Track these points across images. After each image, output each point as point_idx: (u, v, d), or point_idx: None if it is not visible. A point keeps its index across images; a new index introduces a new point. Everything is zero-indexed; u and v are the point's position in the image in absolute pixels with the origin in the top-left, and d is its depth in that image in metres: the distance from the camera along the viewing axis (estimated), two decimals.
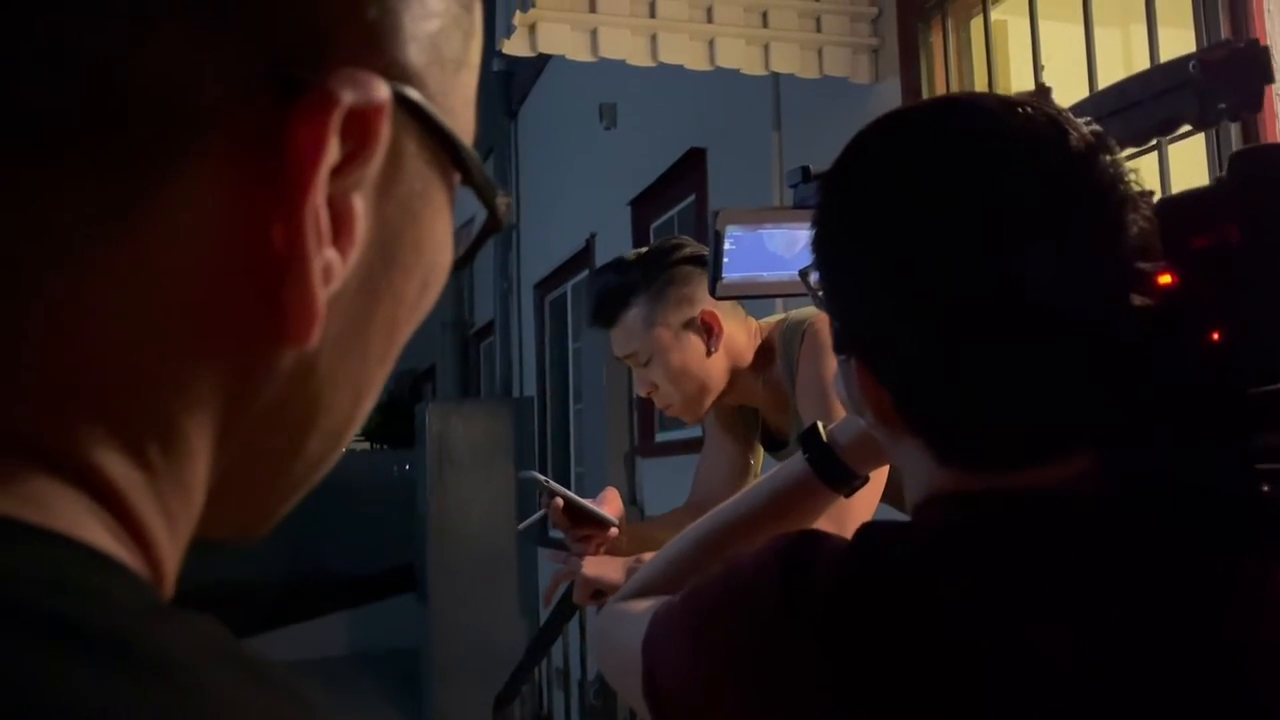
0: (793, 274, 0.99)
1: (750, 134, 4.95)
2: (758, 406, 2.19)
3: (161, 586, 0.37)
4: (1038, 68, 3.07)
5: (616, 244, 6.42)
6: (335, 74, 0.35)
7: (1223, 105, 0.83)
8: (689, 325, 2.05)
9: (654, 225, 6.37)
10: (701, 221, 5.61)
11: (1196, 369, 0.79)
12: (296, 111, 0.35)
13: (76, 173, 0.33)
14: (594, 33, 3.53)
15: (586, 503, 2.06)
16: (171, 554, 0.37)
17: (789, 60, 3.77)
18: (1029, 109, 0.81)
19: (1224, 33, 2.48)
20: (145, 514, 0.36)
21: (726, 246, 1.17)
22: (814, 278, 0.90)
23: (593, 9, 3.50)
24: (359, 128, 0.36)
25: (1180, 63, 0.85)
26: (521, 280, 9.37)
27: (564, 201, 8.05)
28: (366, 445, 23.07)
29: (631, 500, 6.37)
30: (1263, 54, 0.83)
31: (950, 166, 0.81)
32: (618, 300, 2.08)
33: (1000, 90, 3.11)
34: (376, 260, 0.39)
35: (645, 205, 6.47)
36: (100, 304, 0.33)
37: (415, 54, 0.39)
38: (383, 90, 0.36)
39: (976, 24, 3.47)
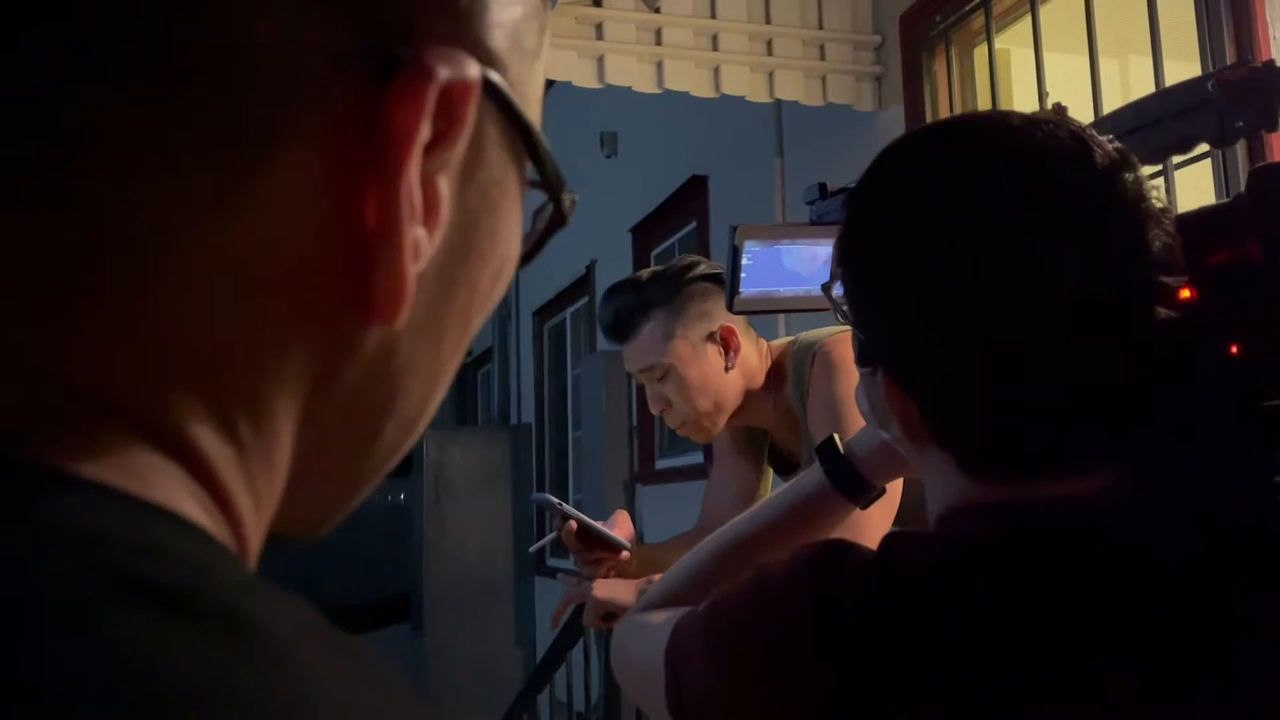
0: (809, 289, 1.00)
1: (752, 161, 4.97)
2: (767, 428, 2.20)
3: (247, 562, 0.37)
4: (1042, 95, 3.09)
5: (617, 271, 6.42)
6: (431, 50, 0.36)
7: (1240, 124, 0.85)
8: (709, 339, 2.06)
9: (655, 252, 6.39)
10: (703, 249, 5.62)
11: (1216, 382, 0.81)
12: (395, 86, 0.35)
13: (182, 147, 0.33)
14: (600, 60, 3.56)
15: (598, 525, 2.07)
16: (256, 533, 0.37)
17: (793, 87, 3.80)
18: (1054, 126, 0.83)
19: (1229, 59, 2.50)
20: (234, 490, 0.36)
21: (744, 262, 1.18)
22: (837, 291, 0.91)
23: (599, 36, 3.53)
24: (449, 107, 0.36)
25: (1198, 82, 0.87)
26: (520, 307, 9.37)
27: (564, 228, 8.05)
28: None
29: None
30: (1279, 74, 0.84)
31: (978, 181, 0.83)
32: (636, 314, 2.09)
33: None
34: (457, 246, 0.40)
35: (646, 232, 6.49)
36: (198, 276, 0.34)
37: (499, 39, 0.39)
38: (474, 69, 0.37)
39: (980, 52, 3.50)
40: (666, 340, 2.06)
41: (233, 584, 0.30)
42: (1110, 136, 0.83)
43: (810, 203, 1.10)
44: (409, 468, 9.07)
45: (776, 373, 2.11)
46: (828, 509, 1.17)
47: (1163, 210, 0.81)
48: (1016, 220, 0.81)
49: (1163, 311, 0.79)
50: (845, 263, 0.90)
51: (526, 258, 0.46)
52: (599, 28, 3.54)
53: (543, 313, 8.71)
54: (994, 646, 0.78)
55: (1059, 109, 0.88)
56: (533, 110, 0.42)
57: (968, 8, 3.45)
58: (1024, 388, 0.82)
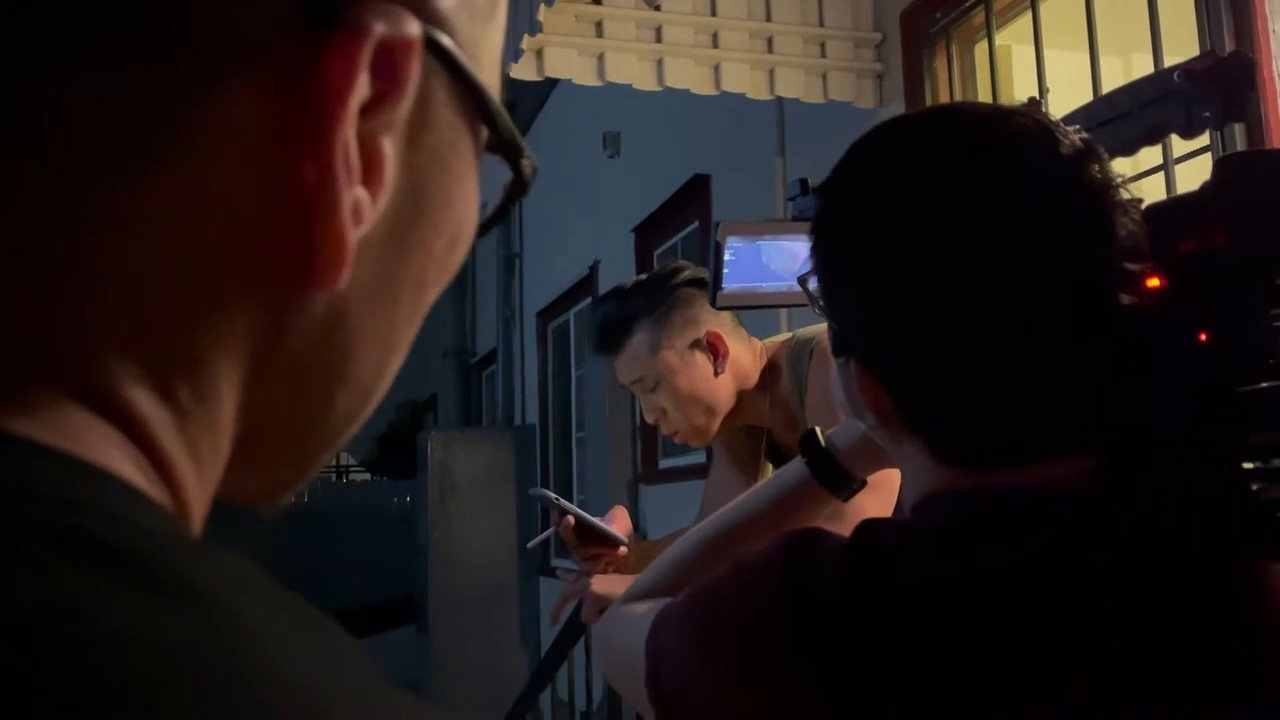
0: (791, 284, 1.01)
1: (754, 160, 4.97)
2: (766, 426, 2.19)
3: (189, 526, 0.36)
4: (1042, 92, 3.09)
5: (620, 271, 6.44)
6: (367, 7, 0.35)
7: (1207, 114, 0.85)
8: (695, 346, 2.05)
9: (657, 252, 6.39)
10: (706, 248, 5.62)
11: (1185, 369, 0.81)
12: (330, 43, 0.34)
13: (115, 106, 0.33)
14: (601, 57, 3.56)
15: (596, 521, 2.07)
16: (199, 498, 0.37)
17: (793, 85, 3.80)
18: (1021, 117, 0.83)
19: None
20: (173, 454, 0.35)
21: (726, 258, 1.19)
22: (813, 283, 0.92)
23: (599, 34, 3.54)
24: (389, 66, 0.35)
25: (1166, 74, 0.88)
26: (524, 308, 9.40)
27: (567, 229, 8.07)
28: (367, 476, 22.95)
29: (634, 527, 6.35)
30: (1246, 64, 0.85)
31: (946, 171, 0.84)
32: (621, 327, 2.08)
33: None
34: (406, 209, 0.39)
35: (649, 232, 6.49)
36: (130, 234, 0.33)
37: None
38: (413, 26, 0.36)
39: (980, 49, 3.50)
40: (654, 352, 2.05)
41: (169, 542, 0.30)
42: (1078, 127, 0.84)
43: (792, 199, 1.11)
44: (414, 469, 9.09)
45: (772, 370, 2.10)
46: (810, 501, 1.18)
47: (1129, 200, 0.82)
48: (983, 211, 0.82)
49: (1129, 299, 0.79)
50: (818, 254, 0.90)
51: (487, 225, 0.45)
52: (599, 25, 3.55)
53: (546, 313, 8.73)
54: (965, 632, 0.79)
55: (1032, 102, 0.88)
56: (487, 73, 0.41)
57: (968, 4, 3.45)
58: (994, 376, 0.82)
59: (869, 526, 0.86)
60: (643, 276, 2.16)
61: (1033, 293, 0.80)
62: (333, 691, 0.29)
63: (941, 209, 0.83)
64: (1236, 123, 0.82)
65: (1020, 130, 0.83)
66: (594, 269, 7.40)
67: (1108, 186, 0.82)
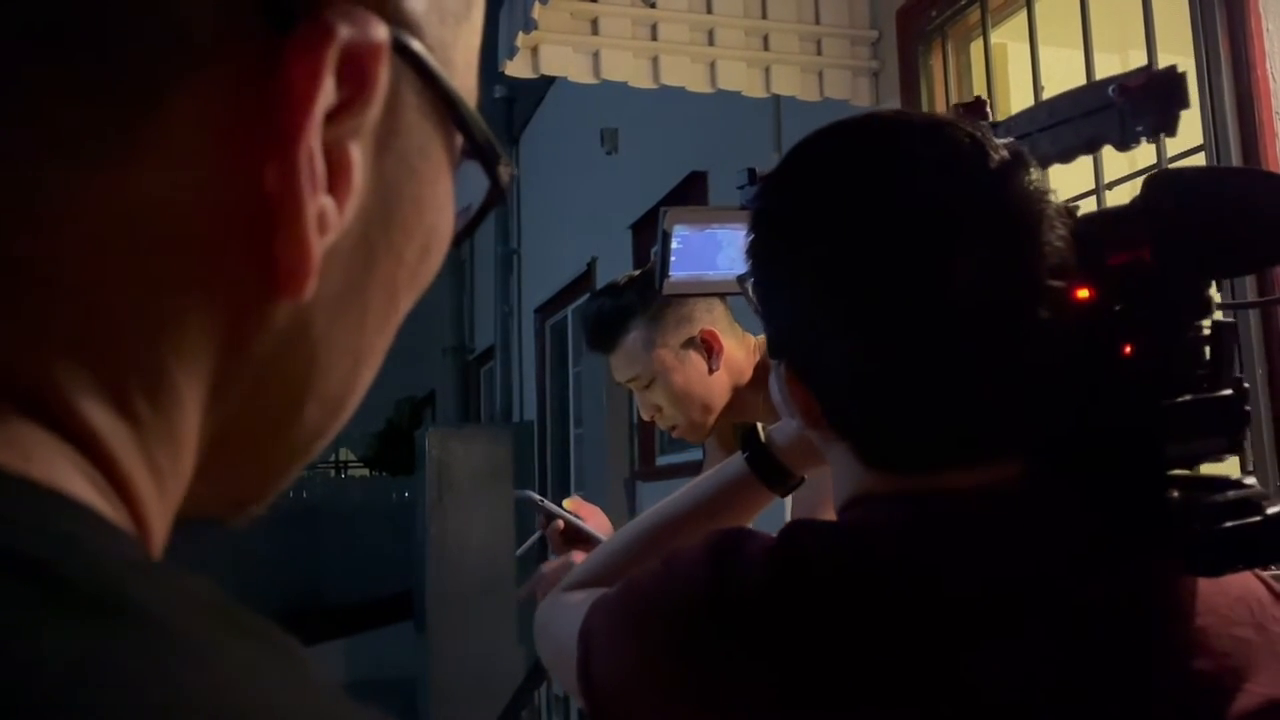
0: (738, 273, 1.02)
1: (751, 157, 4.93)
2: (759, 423, 2.19)
3: (147, 543, 0.35)
4: (1038, 90, 3.09)
5: (617, 268, 6.41)
6: (332, 8, 0.34)
7: (1140, 128, 0.86)
8: (689, 344, 2.06)
9: (655, 249, 6.38)
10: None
11: (1111, 380, 0.82)
12: (292, 45, 0.33)
13: (66, 102, 0.32)
14: (596, 55, 3.55)
15: (580, 522, 2.06)
16: (159, 513, 0.36)
17: (790, 83, 3.78)
18: (954, 129, 0.84)
19: (1223, 54, 2.50)
20: (130, 468, 0.34)
21: (674, 245, 1.20)
22: (750, 283, 0.92)
23: (595, 31, 3.52)
24: (355, 70, 0.34)
25: (1103, 85, 0.89)
26: (522, 305, 9.40)
27: (565, 226, 8.07)
28: (365, 472, 22.97)
29: None
30: (1178, 81, 0.86)
31: (874, 181, 0.85)
32: (616, 324, 2.08)
33: (999, 113, 3.10)
34: (375, 216, 0.38)
35: (646, 229, 6.48)
36: (85, 240, 0.32)
37: (414, 1, 0.38)
38: (380, 30, 0.35)
39: (976, 47, 3.49)
40: (648, 350, 2.06)
41: (119, 563, 0.29)
42: (1011, 139, 0.85)
43: (740, 187, 1.11)
44: (413, 465, 9.10)
45: (765, 367, 2.11)
46: (749, 495, 1.20)
47: (1058, 211, 0.83)
48: (911, 224, 0.82)
49: (1047, 312, 0.80)
50: (753, 254, 0.91)
51: (464, 233, 0.44)
52: (594, 23, 3.54)
53: (544, 310, 8.73)
54: (886, 634, 0.80)
55: (978, 102, 0.89)
56: (461, 76, 0.40)
57: (964, 2, 3.44)
58: (919, 384, 0.83)
59: (795, 527, 0.88)
60: (636, 272, 2.15)
61: (958, 305, 0.81)
62: (282, 710, 0.29)
63: (870, 220, 0.83)
64: (1169, 137, 0.82)
65: (949, 142, 0.83)
66: (592, 265, 7.40)
67: (1035, 200, 0.82)
